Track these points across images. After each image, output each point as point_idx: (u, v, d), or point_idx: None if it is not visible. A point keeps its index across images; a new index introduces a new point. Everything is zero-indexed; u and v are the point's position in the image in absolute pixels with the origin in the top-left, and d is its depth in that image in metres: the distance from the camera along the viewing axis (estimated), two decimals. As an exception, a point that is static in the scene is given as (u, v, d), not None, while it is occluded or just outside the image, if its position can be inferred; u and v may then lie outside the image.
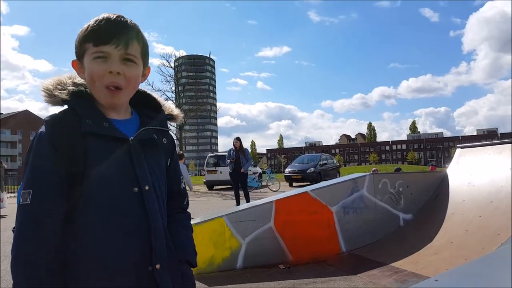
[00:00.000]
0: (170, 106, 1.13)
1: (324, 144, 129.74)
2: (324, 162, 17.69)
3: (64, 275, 0.85)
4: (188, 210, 1.15)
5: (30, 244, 0.83)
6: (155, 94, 1.11)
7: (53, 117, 0.92)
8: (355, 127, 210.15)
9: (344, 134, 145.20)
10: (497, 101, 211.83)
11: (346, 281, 3.07)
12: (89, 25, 0.92)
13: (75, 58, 0.97)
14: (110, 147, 0.92)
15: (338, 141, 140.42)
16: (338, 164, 20.88)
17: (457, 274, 1.28)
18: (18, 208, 0.87)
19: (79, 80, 1.00)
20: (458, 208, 4.32)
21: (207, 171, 16.21)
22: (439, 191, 4.86)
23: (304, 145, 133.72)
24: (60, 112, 0.95)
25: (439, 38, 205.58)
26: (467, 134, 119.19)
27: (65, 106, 0.96)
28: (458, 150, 5.22)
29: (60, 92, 0.96)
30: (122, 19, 0.94)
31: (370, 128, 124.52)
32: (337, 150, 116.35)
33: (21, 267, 0.83)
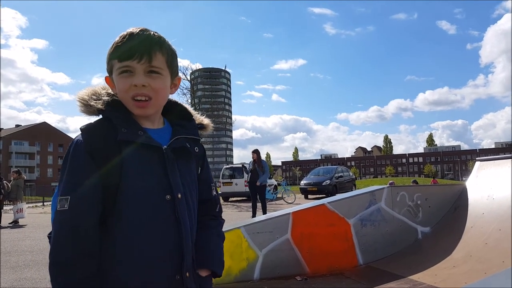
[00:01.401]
0: (200, 116, 1.16)
1: (339, 156, 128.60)
2: (340, 174, 17.58)
3: (100, 280, 0.87)
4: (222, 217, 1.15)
5: (68, 249, 0.85)
6: (186, 105, 1.13)
7: (89, 125, 0.95)
8: (370, 140, 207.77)
9: (359, 147, 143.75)
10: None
11: (364, 293, 3.07)
12: (115, 41, 0.95)
13: (107, 75, 1.01)
14: (145, 155, 0.94)
15: (353, 154, 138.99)
16: (354, 176, 20.68)
17: (478, 287, 1.30)
18: (55, 214, 0.89)
19: (112, 91, 1.03)
20: (477, 221, 4.26)
21: (223, 183, 16.32)
22: (458, 204, 4.80)
23: (319, 157, 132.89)
24: (96, 121, 0.98)
25: (456, 51, 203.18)
26: (485, 147, 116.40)
27: (100, 116, 0.99)
28: (477, 163, 5.16)
29: (95, 102, 0.98)
30: (145, 32, 0.96)
31: (386, 140, 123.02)
32: (352, 163, 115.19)
33: (59, 272, 0.85)
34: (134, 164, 0.92)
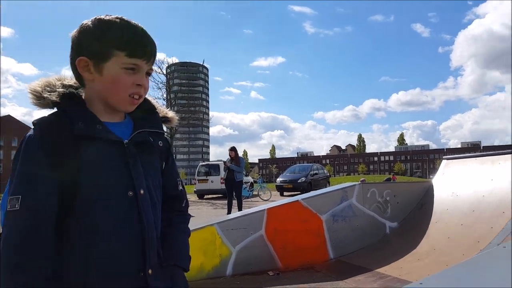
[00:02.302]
0: (164, 109, 1.12)
1: (315, 154, 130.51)
2: (315, 172, 17.87)
3: (57, 280, 0.83)
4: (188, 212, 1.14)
5: (19, 251, 0.80)
6: (149, 97, 1.07)
7: (43, 119, 0.89)
8: (345, 138, 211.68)
9: (335, 145, 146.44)
10: (481, 115, 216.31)
11: (333, 286, 3.17)
12: (121, 31, 0.90)
13: (83, 56, 0.90)
14: (104, 150, 0.89)
15: (329, 152, 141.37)
16: (328, 174, 21.07)
17: (439, 278, 1.36)
18: (5, 215, 0.83)
19: (68, 81, 0.97)
20: (442, 217, 4.47)
21: (198, 180, 16.22)
22: (425, 200, 5.01)
23: (295, 155, 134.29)
24: (50, 115, 0.91)
25: (429, 54, 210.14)
26: (451, 147, 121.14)
27: (55, 109, 0.93)
28: (444, 161, 5.39)
29: (49, 94, 0.92)
30: (146, 31, 0.94)
31: (360, 139, 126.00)
32: (327, 161, 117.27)
33: (9, 275, 0.79)
34: (93, 160, 0.87)
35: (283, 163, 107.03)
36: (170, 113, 1.14)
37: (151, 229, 0.92)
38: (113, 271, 0.86)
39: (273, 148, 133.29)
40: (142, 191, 0.91)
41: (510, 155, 4.44)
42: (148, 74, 0.97)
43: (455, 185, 4.76)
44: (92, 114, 0.92)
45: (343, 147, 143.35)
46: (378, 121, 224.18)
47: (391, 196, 4.95)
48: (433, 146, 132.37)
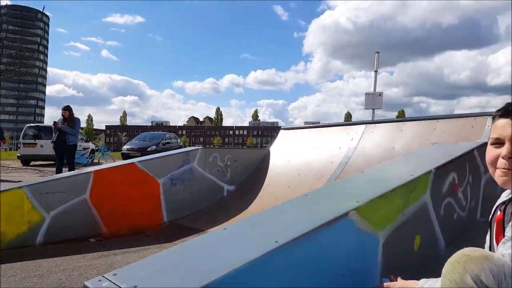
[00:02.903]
0: None
1: (171, 124, 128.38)
2: (167, 141, 17.32)
3: None
4: None
5: None
6: None
7: None
8: (204, 111, 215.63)
9: (193, 116, 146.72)
10: (323, 99, 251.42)
11: (160, 249, 3.00)
12: None
13: None
14: None
15: (186, 123, 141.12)
16: (181, 144, 20.86)
17: (243, 222, 1.47)
18: None
19: None
20: (273, 180, 4.85)
21: (24, 143, 13.68)
22: (261, 165, 5.34)
23: (150, 124, 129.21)
24: None
25: (286, 37, 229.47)
26: (297, 126, 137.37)
27: None
28: (281, 131, 5.84)
29: None
30: None
31: (218, 112, 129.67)
32: (184, 132, 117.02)
33: None
34: None
35: (135, 131, 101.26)
36: None
37: None
38: None
39: (125, 114, 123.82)
40: None
41: (332, 127, 5.09)
42: None
43: (288, 152, 5.21)
44: None
45: (201, 119, 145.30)
46: (236, 97, 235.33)
47: (232, 161, 5.07)
48: (281, 123, 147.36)
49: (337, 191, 1.84)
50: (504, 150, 1.06)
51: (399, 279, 1.36)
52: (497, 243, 1.07)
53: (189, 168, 4.59)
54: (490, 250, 1.16)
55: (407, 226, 1.87)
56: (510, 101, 1.11)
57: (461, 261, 0.90)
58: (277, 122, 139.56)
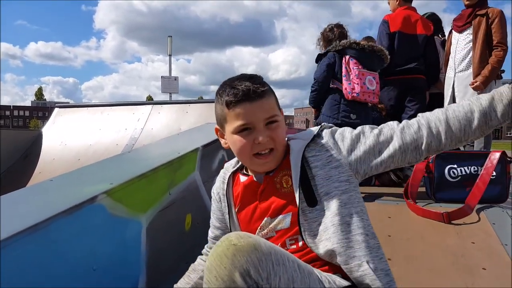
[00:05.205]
0: None
1: None
2: None
3: None
4: None
5: None
6: None
7: None
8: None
9: None
10: (121, 80, 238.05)
11: None
12: None
13: None
14: None
15: None
16: None
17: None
18: None
19: None
20: (46, 167, 4.22)
21: None
22: (30, 151, 4.53)
23: None
24: None
25: (73, 8, 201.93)
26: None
27: None
28: (56, 109, 5.06)
29: None
30: None
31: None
32: None
33: None
34: None
35: None
36: None
37: None
38: None
39: None
40: None
41: (116, 107, 4.74)
42: None
43: (64, 135, 4.58)
44: None
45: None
46: (13, 70, 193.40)
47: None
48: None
49: (91, 173, 1.64)
50: (259, 135, 1.02)
51: None
52: None
53: None
54: None
55: (176, 206, 1.83)
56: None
57: (229, 253, 0.78)
58: (68, 103, 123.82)
